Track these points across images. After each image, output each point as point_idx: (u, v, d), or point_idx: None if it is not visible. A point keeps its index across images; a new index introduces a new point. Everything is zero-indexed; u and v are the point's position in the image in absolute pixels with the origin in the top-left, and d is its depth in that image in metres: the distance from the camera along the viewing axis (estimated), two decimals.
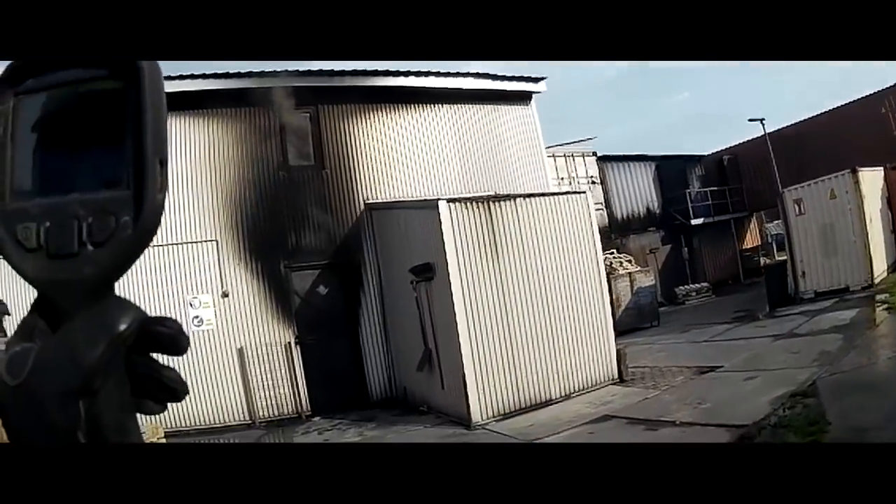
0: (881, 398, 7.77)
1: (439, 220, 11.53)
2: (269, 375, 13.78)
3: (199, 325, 13.42)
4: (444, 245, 11.50)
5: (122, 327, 0.64)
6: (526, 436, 10.12)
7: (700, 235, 27.46)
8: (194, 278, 13.60)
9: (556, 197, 13.22)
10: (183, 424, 12.90)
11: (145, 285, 12.61)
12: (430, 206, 11.98)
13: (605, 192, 26.71)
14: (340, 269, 14.71)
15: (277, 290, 14.21)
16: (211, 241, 13.84)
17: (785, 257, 18.68)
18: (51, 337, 0.64)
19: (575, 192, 14.27)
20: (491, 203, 12.15)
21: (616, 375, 12.69)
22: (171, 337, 0.70)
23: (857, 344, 10.79)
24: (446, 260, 11.50)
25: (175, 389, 0.72)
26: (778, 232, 22.70)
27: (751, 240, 29.07)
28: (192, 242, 13.67)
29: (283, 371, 14.01)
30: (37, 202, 0.65)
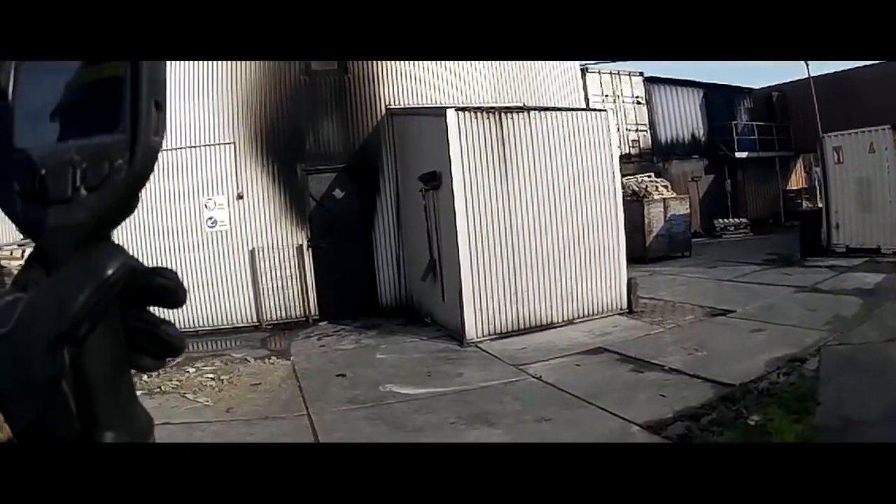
0: (880, 388, 7.12)
1: (446, 127, 11.06)
2: (279, 278, 13.73)
3: (212, 227, 13.44)
4: (449, 154, 11.08)
5: (109, 272, 0.61)
6: (514, 360, 9.94)
7: (744, 169, 26.44)
8: (210, 180, 13.51)
9: (574, 113, 12.47)
10: (191, 325, 13.01)
11: (162, 188, 12.68)
12: (440, 113, 11.49)
13: (650, 113, 25.75)
14: (358, 173, 14.38)
15: (293, 193, 14.02)
16: (228, 143, 13.65)
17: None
18: (41, 284, 0.63)
19: (595, 110, 13.64)
20: (503, 114, 11.56)
21: (625, 306, 12.27)
22: (169, 289, 0.66)
23: (875, 314, 10.13)
24: (451, 169, 11.10)
25: (172, 345, 0.69)
26: None
27: (796, 181, 28.01)
28: (209, 145, 13.52)
29: (293, 274, 13.94)
30: (33, 150, 0.64)
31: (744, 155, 25.95)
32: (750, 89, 29.37)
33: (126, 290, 0.63)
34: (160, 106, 0.63)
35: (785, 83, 28.98)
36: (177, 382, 9.61)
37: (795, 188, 27.47)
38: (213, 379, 9.84)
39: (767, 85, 29.76)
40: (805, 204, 23.38)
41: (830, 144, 16.91)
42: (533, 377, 9.04)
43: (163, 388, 9.27)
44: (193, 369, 10.33)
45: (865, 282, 12.35)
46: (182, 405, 8.59)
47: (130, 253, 0.64)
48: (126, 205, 0.64)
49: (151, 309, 0.69)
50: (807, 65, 25.24)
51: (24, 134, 0.65)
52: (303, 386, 9.45)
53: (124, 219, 0.65)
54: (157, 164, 0.63)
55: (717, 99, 27.40)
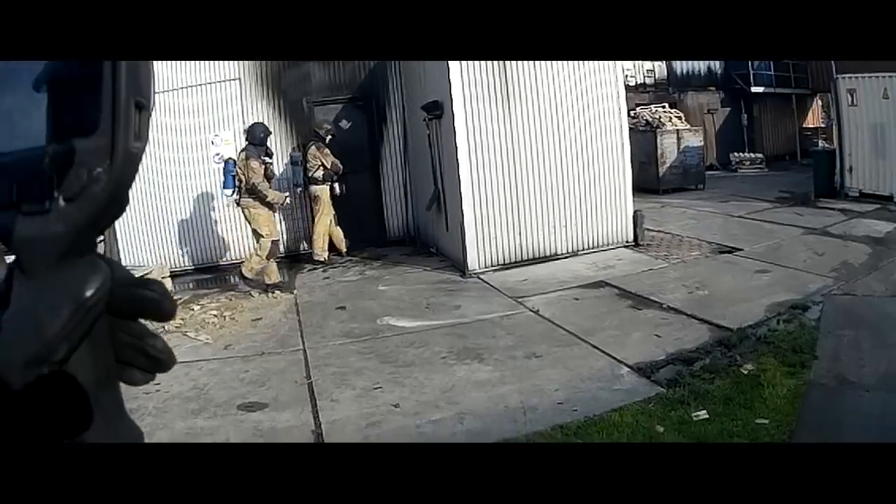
0: (880, 348, 6.92)
1: None
2: (286, 210, 13.40)
3: (219, 162, 13.02)
4: (450, 82, 10.79)
5: (88, 293, 0.59)
6: (513, 292, 9.86)
7: (760, 105, 25.64)
8: (217, 117, 13.33)
9: None
10: (201, 261, 13.24)
11: (169, 130, 12.72)
12: None
13: None
14: (365, 104, 14.16)
15: (299, 125, 13.79)
16: (234, 79, 13.43)
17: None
18: (20, 301, 0.60)
19: None
20: None
21: (631, 238, 12.12)
22: (155, 301, 0.65)
23: (882, 266, 9.85)
24: (451, 98, 10.83)
25: (160, 359, 0.66)
26: None
27: (813, 120, 27.25)
28: (214, 83, 13.31)
29: (300, 206, 13.80)
30: (11, 155, 0.60)
31: (760, 90, 25.13)
32: None
33: (112, 303, 0.61)
34: (142, 107, 0.60)
35: None
36: (180, 321, 9.63)
37: (812, 126, 26.74)
38: (216, 315, 9.86)
39: None
40: (822, 143, 22.69)
41: (844, 86, 16.14)
42: (530, 311, 8.98)
43: (166, 327, 9.28)
44: (198, 307, 10.35)
45: (876, 230, 12.02)
46: (183, 344, 8.62)
47: (121, 262, 0.65)
48: (106, 215, 0.60)
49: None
50: None
51: (2, 138, 0.62)
52: (302, 320, 9.46)
53: (105, 228, 0.62)
54: (138, 170, 0.61)
55: None
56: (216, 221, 13.32)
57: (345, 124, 13.94)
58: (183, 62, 12.64)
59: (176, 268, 12.72)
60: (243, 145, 11.06)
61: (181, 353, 8.14)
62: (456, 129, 10.85)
